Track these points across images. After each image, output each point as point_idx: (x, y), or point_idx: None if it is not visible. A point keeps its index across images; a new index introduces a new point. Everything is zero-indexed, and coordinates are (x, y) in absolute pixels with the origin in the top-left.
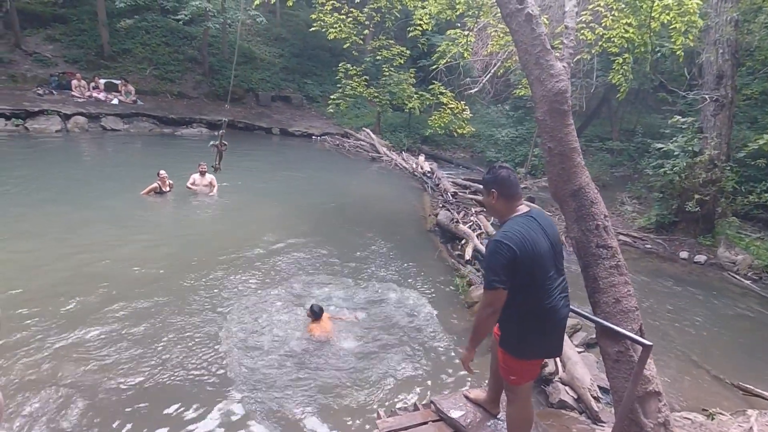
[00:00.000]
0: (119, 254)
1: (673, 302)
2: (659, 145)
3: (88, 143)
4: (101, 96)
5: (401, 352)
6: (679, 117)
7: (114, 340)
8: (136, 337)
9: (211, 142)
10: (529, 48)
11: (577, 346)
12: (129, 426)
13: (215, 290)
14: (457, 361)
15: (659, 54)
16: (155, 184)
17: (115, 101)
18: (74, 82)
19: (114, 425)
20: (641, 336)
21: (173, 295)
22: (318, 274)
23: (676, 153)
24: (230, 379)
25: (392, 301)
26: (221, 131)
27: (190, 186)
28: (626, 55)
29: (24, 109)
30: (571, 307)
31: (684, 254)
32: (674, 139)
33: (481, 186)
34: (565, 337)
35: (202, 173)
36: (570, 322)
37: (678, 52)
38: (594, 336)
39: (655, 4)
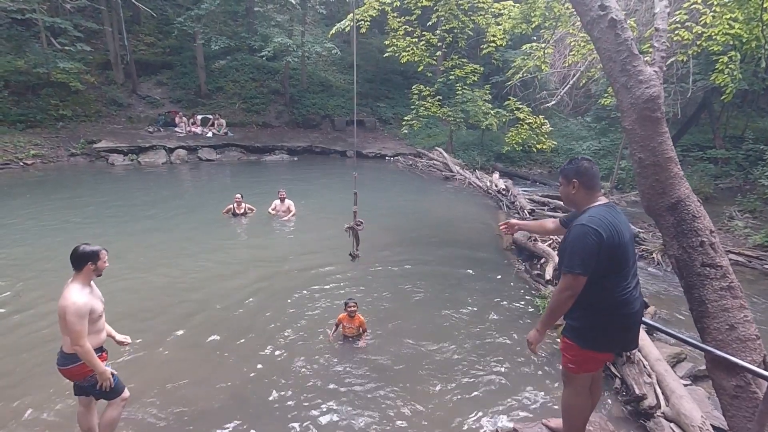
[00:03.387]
0: (202, 271)
1: None
2: None
3: (187, 173)
4: (198, 130)
5: (478, 373)
6: None
7: (191, 353)
8: (212, 351)
9: (345, 225)
10: (613, 55)
11: (682, 378)
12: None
13: (285, 311)
14: (531, 395)
15: None
16: (230, 206)
17: (209, 134)
18: (177, 119)
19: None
20: (766, 368)
21: (247, 312)
22: (391, 293)
23: None
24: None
25: (469, 321)
26: (354, 208)
27: (271, 211)
28: (732, 53)
29: (137, 146)
30: (673, 332)
31: None
32: None
33: (561, 176)
34: (669, 367)
35: (282, 199)
36: (672, 350)
37: None
38: (703, 367)
39: None
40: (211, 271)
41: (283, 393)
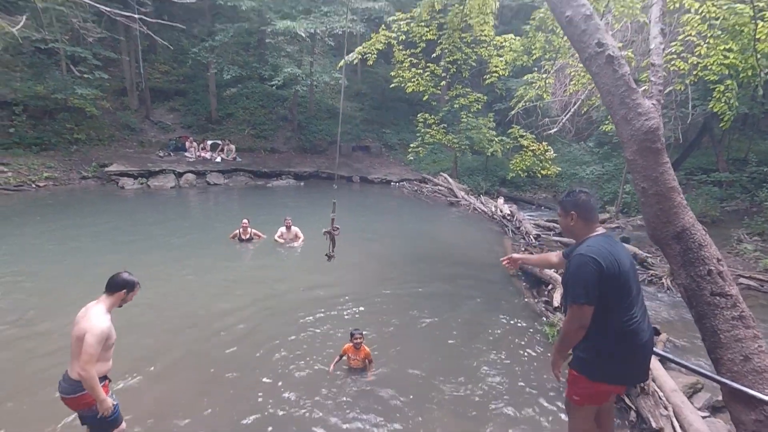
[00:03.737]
0: (203, 295)
1: None
2: None
3: (194, 196)
4: (208, 155)
5: (487, 407)
6: None
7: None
8: (204, 380)
9: (324, 230)
10: (612, 89)
11: (699, 409)
12: None
13: (289, 339)
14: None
15: None
16: (236, 231)
17: (218, 159)
18: (187, 144)
19: None
20: None
21: (247, 339)
22: (399, 320)
23: None
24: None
25: (477, 351)
26: (332, 215)
27: (277, 239)
28: (729, 82)
29: (147, 170)
30: (687, 363)
31: None
32: None
33: (559, 207)
34: (685, 399)
35: (288, 227)
36: (688, 380)
37: None
38: (721, 398)
39: (759, 25)
40: (211, 295)
41: (283, 428)
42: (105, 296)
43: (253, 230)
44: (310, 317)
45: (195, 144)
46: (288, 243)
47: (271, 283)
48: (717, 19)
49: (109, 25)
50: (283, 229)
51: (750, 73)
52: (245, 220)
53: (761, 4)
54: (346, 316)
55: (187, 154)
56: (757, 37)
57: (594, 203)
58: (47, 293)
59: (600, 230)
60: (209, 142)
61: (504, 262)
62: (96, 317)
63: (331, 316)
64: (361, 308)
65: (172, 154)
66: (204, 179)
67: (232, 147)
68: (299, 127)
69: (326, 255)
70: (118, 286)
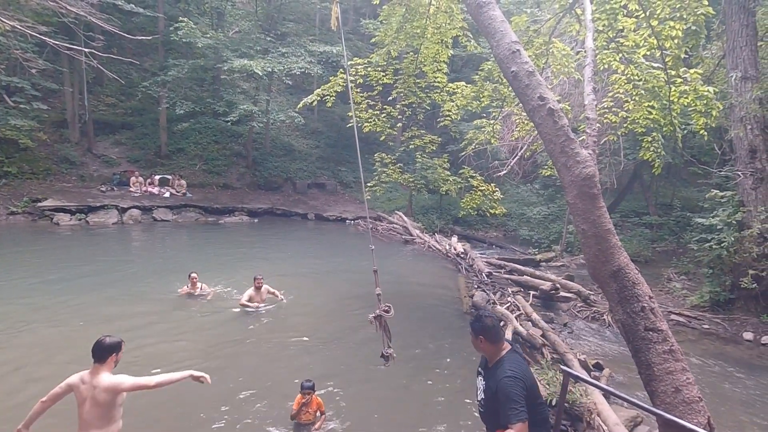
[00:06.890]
0: (143, 352)
1: (744, 390)
2: (701, 220)
3: (138, 233)
4: (155, 190)
5: None
6: (717, 191)
7: None
8: None
9: (370, 316)
10: (553, 138)
11: None
12: None
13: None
14: None
15: (685, 131)
16: (184, 288)
17: (167, 194)
18: (132, 179)
19: None
20: (710, 431)
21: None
22: (348, 363)
23: (720, 227)
24: None
25: (429, 389)
26: (377, 291)
27: (245, 303)
28: (654, 134)
29: (87, 205)
30: (626, 396)
31: (748, 335)
32: (715, 213)
33: (470, 329)
34: (626, 431)
35: (258, 288)
36: (629, 413)
37: (701, 132)
38: (657, 430)
39: (672, 89)
40: (153, 354)
41: None
42: (98, 365)
43: (203, 284)
44: (263, 376)
45: (141, 179)
46: (259, 306)
47: (220, 341)
48: (639, 80)
49: (52, 56)
50: (251, 291)
51: (670, 129)
52: (194, 274)
53: (673, 72)
54: (298, 363)
55: (131, 189)
56: (672, 99)
57: (498, 326)
58: None
59: (507, 346)
60: (157, 177)
61: None
62: (109, 376)
63: (284, 362)
64: (315, 351)
65: (115, 188)
66: (150, 215)
67: (183, 182)
68: (254, 164)
69: (382, 356)
70: (108, 352)
